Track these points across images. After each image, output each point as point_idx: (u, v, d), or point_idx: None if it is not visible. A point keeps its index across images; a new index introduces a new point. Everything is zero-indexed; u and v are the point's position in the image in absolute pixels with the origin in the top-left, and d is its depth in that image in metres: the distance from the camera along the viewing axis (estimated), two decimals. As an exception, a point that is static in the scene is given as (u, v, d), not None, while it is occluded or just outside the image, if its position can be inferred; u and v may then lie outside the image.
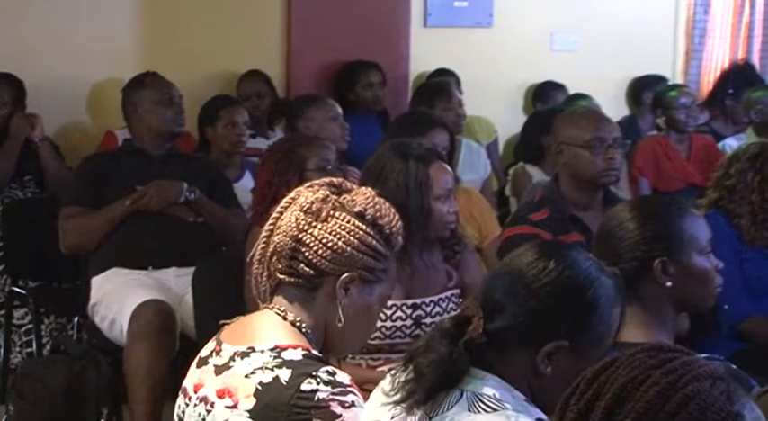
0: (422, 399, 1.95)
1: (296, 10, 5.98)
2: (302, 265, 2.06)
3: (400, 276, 2.83)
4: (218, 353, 2.08)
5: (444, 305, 3.23)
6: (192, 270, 3.95)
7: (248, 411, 1.96)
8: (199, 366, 2.11)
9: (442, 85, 5.27)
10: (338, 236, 2.05)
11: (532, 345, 1.96)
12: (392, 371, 2.05)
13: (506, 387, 1.94)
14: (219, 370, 2.05)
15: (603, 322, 2.00)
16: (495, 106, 6.57)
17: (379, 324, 2.81)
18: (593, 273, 2.01)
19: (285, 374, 1.96)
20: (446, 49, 6.48)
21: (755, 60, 7.31)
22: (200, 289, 3.87)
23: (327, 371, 1.96)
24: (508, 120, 6.59)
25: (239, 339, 2.07)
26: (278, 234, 2.08)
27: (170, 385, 3.64)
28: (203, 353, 2.13)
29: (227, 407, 1.99)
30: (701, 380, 1.30)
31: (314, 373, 1.95)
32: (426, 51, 6.36)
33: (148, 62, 5.15)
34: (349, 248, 2.05)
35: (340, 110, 4.93)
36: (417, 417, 1.96)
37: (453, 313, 2.67)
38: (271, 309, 2.09)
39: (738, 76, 6.63)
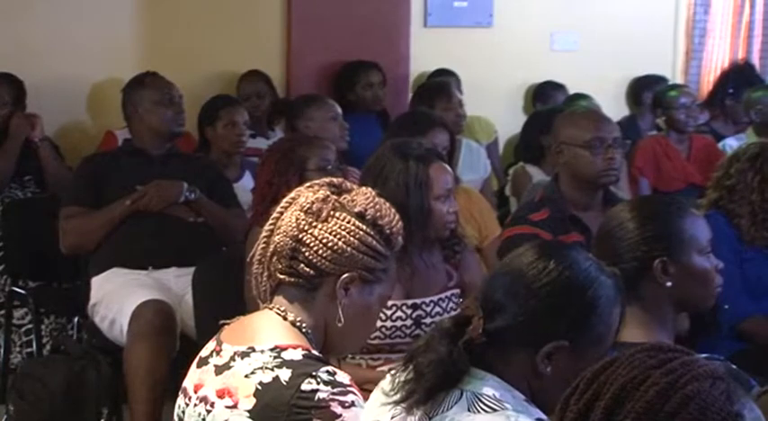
0: (421, 399, 1.95)
1: (296, 10, 5.98)
2: (302, 265, 2.06)
3: (400, 276, 2.83)
4: (218, 353, 2.08)
5: (444, 305, 3.23)
6: (191, 270, 3.95)
7: (248, 411, 1.96)
8: (199, 366, 2.11)
9: (442, 85, 5.27)
10: (338, 236, 2.05)
11: (532, 345, 1.96)
12: (392, 371, 2.05)
13: (506, 387, 1.94)
14: (219, 370, 2.05)
15: (603, 322, 1.99)
16: (495, 106, 6.57)
17: (379, 324, 2.81)
18: (592, 273, 2.01)
19: (285, 374, 1.96)
20: (446, 49, 6.48)
21: (755, 60, 7.31)
22: (200, 289, 3.87)
23: (327, 371, 1.96)
24: (508, 120, 6.59)
25: (239, 339, 2.07)
26: (278, 234, 2.08)
27: (170, 385, 3.63)
28: (203, 353, 2.13)
29: (227, 407, 1.99)
30: (700, 380, 1.30)
31: (314, 373, 1.95)
32: (426, 51, 6.36)
33: (148, 62, 5.15)
34: (349, 248, 2.05)
35: (339, 110, 4.93)
36: (417, 417, 1.96)
37: (453, 313, 2.68)
38: (271, 309, 2.09)
39: (738, 76, 6.63)
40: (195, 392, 2.07)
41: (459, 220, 3.37)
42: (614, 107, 6.66)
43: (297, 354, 1.99)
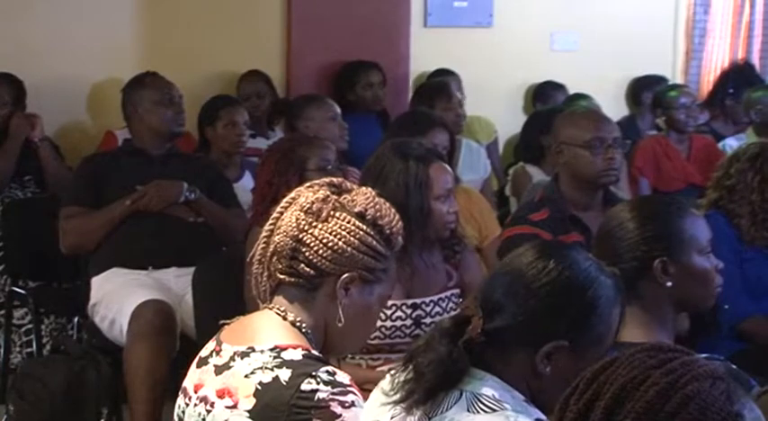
0: (421, 399, 1.95)
1: (296, 10, 5.98)
2: (302, 265, 2.06)
3: (400, 276, 2.83)
4: (218, 353, 2.08)
5: (444, 305, 3.23)
6: (191, 270, 3.95)
7: (248, 411, 1.96)
8: (199, 366, 2.11)
9: (442, 85, 5.27)
10: (338, 236, 2.05)
11: (532, 345, 1.96)
12: (392, 371, 2.05)
13: (506, 387, 1.94)
14: (219, 370, 2.05)
15: (603, 322, 1.99)
16: (495, 106, 6.57)
17: (379, 324, 2.81)
18: (592, 273, 2.01)
19: (285, 374, 1.96)
20: (446, 49, 6.48)
21: (755, 60, 7.30)
22: (200, 289, 3.87)
23: (327, 371, 1.96)
24: (508, 120, 6.59)
25: (239, 339, 2.07)
26: (278, 234, 2.08)
27: (170, 385, 3.63)
28: (203, 353, 2.13)
29: (227, 407, 1.99)
30: (700, 380, 1.30)
31: (314, 373, 1.95)
32: (426, 51, 6.36)
33: (148, 62, 5.15)
34: (349, 248, 2.05)
35: (339, 110, 4.93)
36: (416, 417, 1.96)
37: (453, 313, 2.67)
38: (271, 309, 2.09)
39: (738, 76, 6.63)
40: (195, 392, 2.07)
41: (459, 220, 3.37)
42: (614, 107, 6.66)
43: (297, 354, 1.99)
